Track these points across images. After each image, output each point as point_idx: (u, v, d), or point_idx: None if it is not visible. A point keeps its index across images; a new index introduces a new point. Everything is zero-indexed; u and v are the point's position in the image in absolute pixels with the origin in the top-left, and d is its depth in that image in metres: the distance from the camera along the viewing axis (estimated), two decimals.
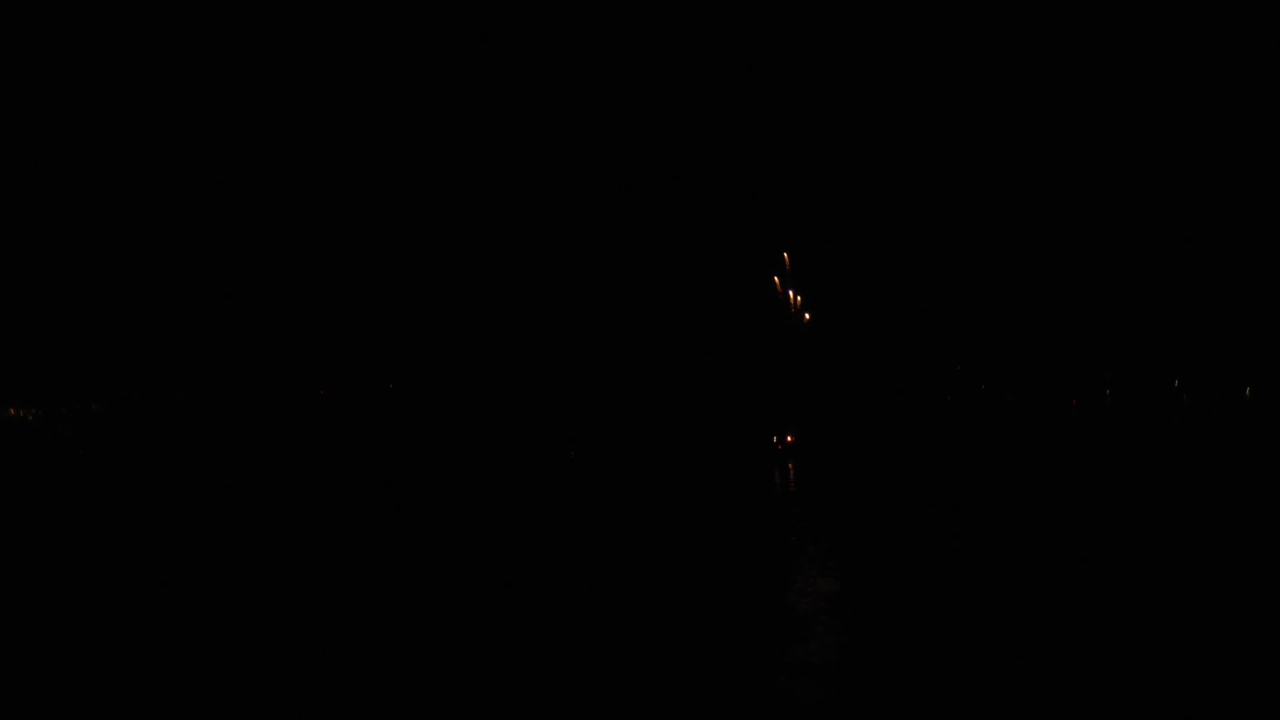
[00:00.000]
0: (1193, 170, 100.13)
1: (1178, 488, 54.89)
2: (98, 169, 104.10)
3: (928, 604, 29.06)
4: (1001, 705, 20.79)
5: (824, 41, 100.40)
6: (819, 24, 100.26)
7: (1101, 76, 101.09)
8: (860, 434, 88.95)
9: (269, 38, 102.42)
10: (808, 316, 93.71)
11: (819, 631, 26.23)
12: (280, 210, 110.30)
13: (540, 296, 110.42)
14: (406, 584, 34.12)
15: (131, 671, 25.01)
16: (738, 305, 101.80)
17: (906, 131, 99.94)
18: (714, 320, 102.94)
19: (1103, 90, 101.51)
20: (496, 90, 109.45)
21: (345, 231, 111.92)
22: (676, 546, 39.88)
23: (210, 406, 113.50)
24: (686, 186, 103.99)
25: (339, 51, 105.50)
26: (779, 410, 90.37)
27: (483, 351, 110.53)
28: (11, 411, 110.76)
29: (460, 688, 22.87)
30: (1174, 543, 38.41)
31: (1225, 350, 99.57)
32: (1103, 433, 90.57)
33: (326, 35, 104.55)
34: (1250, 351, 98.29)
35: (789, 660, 23.87)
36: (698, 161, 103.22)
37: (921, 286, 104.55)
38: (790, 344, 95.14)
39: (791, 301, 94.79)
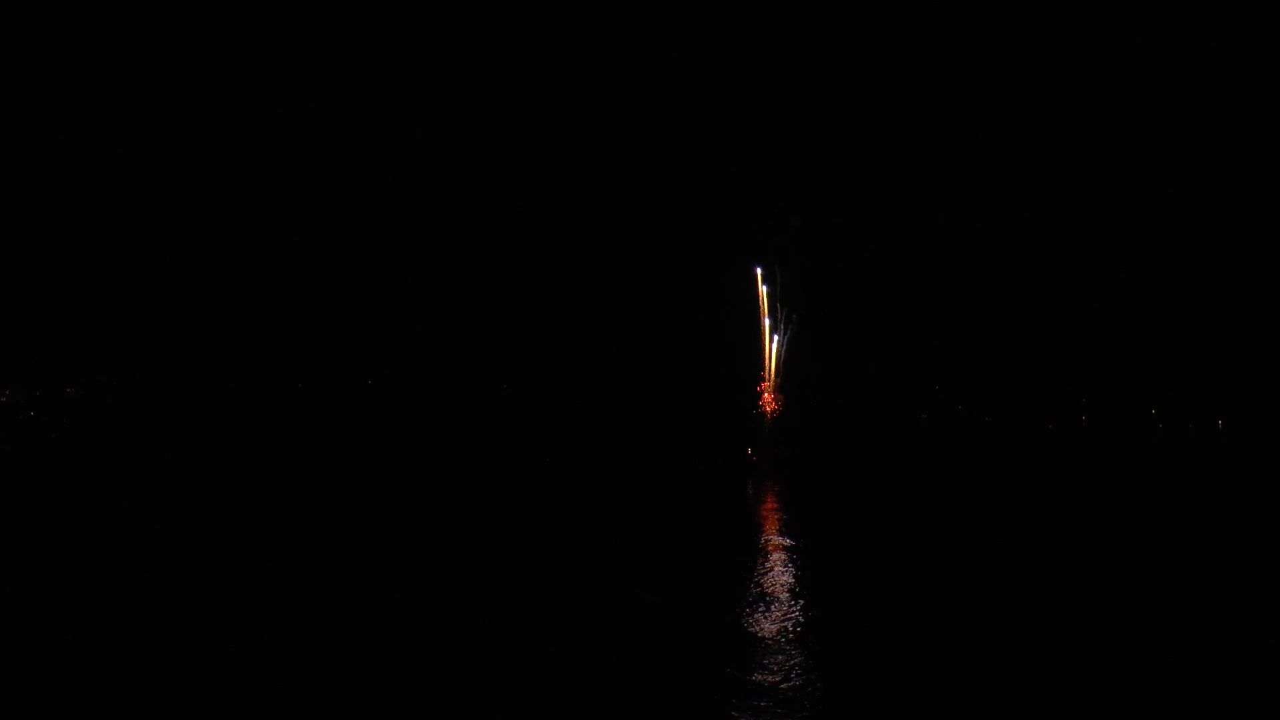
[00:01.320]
0: (1173, 204, 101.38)
1: (1149, 512, 55.48)
2: (73, 163, 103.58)
3: (895, 626, 29.02)
4: None
5: (805, 83, 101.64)
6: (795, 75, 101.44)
7: (1074, 117, 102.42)
8: (837, 451, 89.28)
9: (220, 35, 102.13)
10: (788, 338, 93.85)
11: (780, 653, 26.18)
12: (262, 204, 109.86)
13: (521, 297, 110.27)
14: (362, 581, 33.94)
15: (108, 652, 24.82)
16: (725, 321, 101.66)
17: (894, 159, 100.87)
18: (699, 334, 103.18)
19: (1078, 129, 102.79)
20: (485, 108, 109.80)
21: (329, 229, 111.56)
22: (649, 557, 39.83)
23: (192, 397, 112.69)
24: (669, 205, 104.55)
25: (306, 58, 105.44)
26: (757, 424, 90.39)
27: (462, 355, 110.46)
28: None
29: (422, 696, 22.68)
30: (1145, 565, 38.71)
31: (1201, 383, 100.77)
32: (1076, 456, 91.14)
33: (278, 44, 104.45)
34: (1224, 385, 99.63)
35: (745, 681, 23.78)
36: (684, 178, 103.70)
37: (904, 307, 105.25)
38: (772, 363, 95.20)
39: (778, 314, 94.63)
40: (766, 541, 44.22)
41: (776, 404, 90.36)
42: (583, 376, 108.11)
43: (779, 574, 36.72)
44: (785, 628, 28.31)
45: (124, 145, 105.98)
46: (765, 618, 29.21)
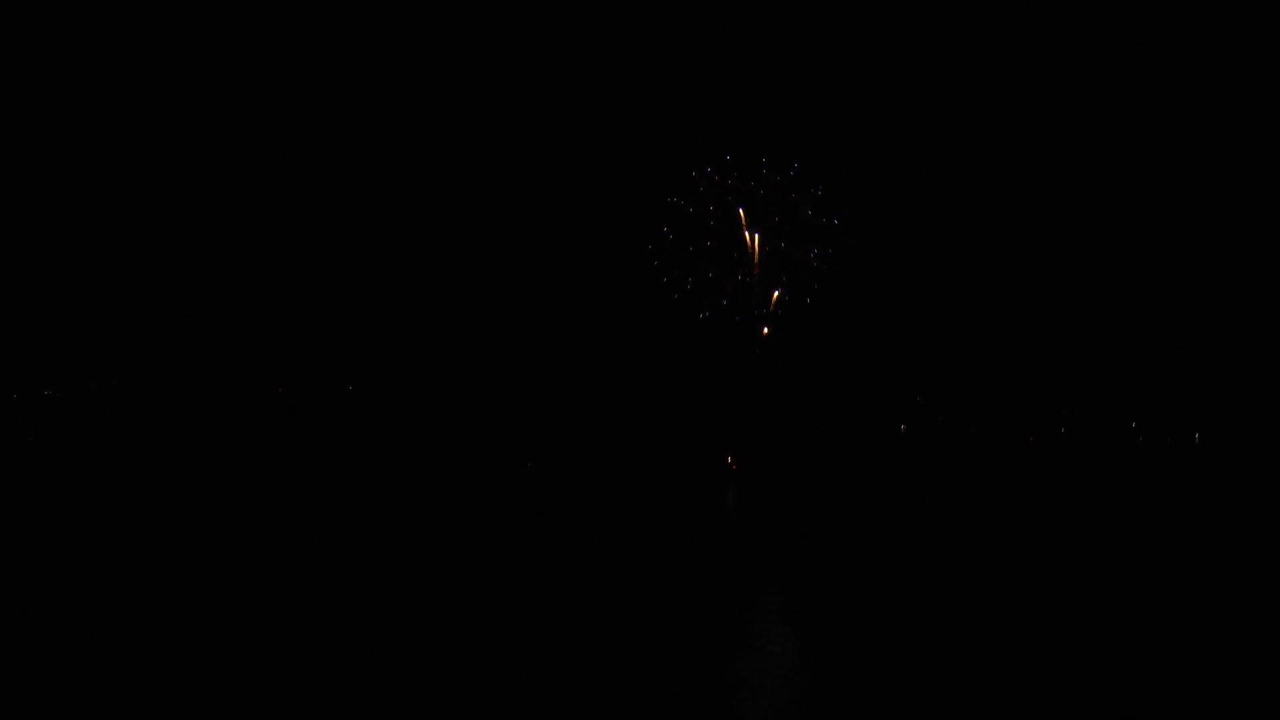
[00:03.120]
0: (1157, 214, 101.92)
1: (1127, 527, 55.73)
2: (49, 161, 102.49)
3: (868, 659, 28.74)
4: None
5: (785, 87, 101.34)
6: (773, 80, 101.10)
7: (1056, 119, 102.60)
8: (813, 463, 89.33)
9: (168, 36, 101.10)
10: (767, 331, 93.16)
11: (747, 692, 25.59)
12: (242, 203, 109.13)
13: (502, 303, 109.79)
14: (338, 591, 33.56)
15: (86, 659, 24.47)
16: (701, 323, 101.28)
17: (876, 162, 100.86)
18: (676, 338, 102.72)
19: (1059, 132, 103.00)
20: (458, 109, 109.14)
21: (310, 227, 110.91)
22: (622, 579, 39.38)
23: (171, 399, 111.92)
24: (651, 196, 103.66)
25: (274, 69, 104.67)
26: (735, 432, 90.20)
27: (443, 360, 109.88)
28: None
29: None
30: (1124, 581, 38.73)
31: (1180, 395, 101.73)
32: (1056, 469, 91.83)
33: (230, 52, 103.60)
34: (1203, 398, 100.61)
35: None
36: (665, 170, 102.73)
37: (885, 315, 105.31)
38: (750, 365, 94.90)
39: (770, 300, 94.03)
40: (746, 564, 43.90)
41: (760, 402, 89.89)
42: (562, 365, 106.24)
43: (758, 603, 36.16)
44: (759, 674, 27.92)
45: (103, 143, 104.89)
46: (743, 661, 28.82)
